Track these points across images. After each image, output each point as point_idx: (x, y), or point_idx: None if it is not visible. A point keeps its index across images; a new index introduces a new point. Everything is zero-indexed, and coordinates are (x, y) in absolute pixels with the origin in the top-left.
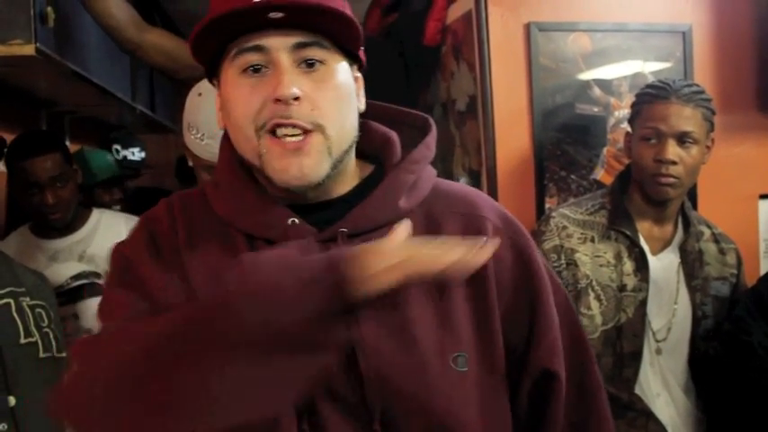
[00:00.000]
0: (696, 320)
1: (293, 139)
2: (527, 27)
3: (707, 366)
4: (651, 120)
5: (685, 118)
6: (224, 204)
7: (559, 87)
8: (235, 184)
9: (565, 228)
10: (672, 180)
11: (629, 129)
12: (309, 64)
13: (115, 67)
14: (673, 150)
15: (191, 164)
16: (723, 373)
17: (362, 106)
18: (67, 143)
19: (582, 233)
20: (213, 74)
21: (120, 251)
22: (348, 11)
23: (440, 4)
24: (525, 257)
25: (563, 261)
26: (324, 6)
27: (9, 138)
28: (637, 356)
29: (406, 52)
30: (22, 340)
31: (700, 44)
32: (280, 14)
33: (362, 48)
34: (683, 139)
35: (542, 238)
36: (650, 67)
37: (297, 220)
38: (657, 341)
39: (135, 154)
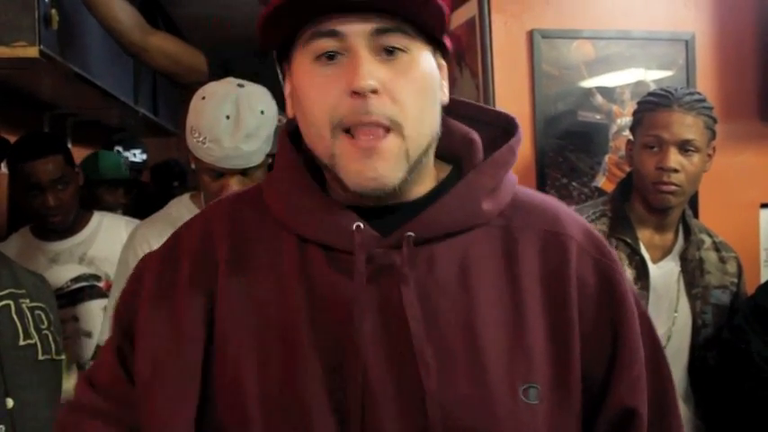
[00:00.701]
0: (696, 329)
1: (368, 138)
2: (530, 34)
3: (706, 375)
4: (653, 128)
5: (687, 126)
6: (280, 204)
7: (562, 94)
8: (295, 182)
9: None
10: (673, 188)
11: (630, 136)
12: (389, 51)
13: (118, 70)
14: (674, 158)
15: (193, 167)
16: (721, 381)
17: (446, 99)
18: (69, 146)
19: None
20: (283, 58)
21: (139, 269)
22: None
23: None
24: (612, 283)
25: None
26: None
27: (12, 140)
28: None
29: None
30: (21, 342)
31: (702, 52)
32: None
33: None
34: (684, 147)
35: None
36: (653, 75)
37: (362, 225)
38: None
39: (137, 156)
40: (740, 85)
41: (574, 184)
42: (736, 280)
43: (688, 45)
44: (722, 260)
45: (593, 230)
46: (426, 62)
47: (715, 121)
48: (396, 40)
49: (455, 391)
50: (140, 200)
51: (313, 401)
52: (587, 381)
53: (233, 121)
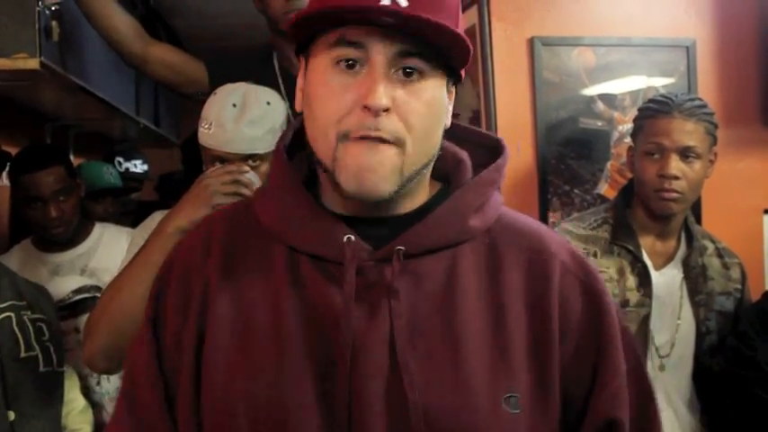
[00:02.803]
0: (700, 336)
1: (371, 149)
2: (531, 42)
3: (711, 382)
4: (654, 135)
5: (688, 133)
6: (271, 214)
7: (563, 102)
8: (288, 192)
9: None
10: (675, 195)
11: (632, 143)
12: (407, 73)
13: (119, 81)
14: (676, 165)
15: (204, 166)
16: (727, 388)
17: (449, 122)
18: (71, 157)
19: (585, 248)
20: (302, 50)
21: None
22: (460, 28)
23: None
24: (596, 301)
25: None
26: (438, 24)
27: (13, 152)
28: None
29: None
30: (23, 354)
31: (703, 59)
32: (391, 20)
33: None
34: (685, 153)
35: None
36: (654, 82)
37: (353, 237)
38: (661, 357)
39: (137, 166)
40: (741, 90)
41: (576, 191)
42: (739, 286)
43: (689, 51)
44: (725, 266)
45: (576, 250)
46: (439, 89)
47: (716, 126)
48: (415, 62)
49: (439, 400)
50: (142, 211)
51: (300, 408)
52: (570, 393)
53: (239, 108)
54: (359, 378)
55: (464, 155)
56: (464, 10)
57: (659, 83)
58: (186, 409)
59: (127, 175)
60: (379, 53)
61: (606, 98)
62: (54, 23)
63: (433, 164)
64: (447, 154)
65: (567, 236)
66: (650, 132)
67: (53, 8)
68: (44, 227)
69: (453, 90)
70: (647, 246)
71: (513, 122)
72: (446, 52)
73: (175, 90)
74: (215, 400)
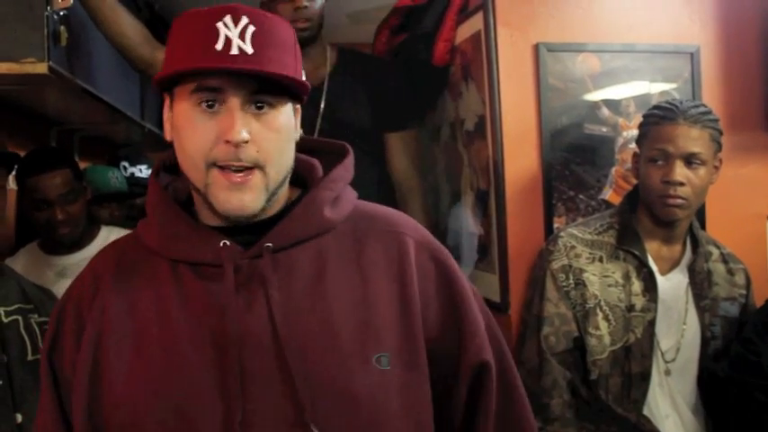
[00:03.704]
0: (705, 341)
1: (238, 174)
2: (536, 48)
3: (716, 387)
4: (658, 141)
5: (693, 139)
6: (155, 234)
7: (568, 107)
8: (167, 214)
9: (573, 248)
10: (680, 201)
11: (636, 149)
12: (259, 107)
13: (125, 86)
14: (680, 171)
15: None
16: (731, 394)
17: (297, 136)
18: (76, 161)
19: (590, 253)
20: (166, 88)
21: (56, 314)
22: (299, 73)
23: (449, 25)
24: (445, 269)
25: (571, 281)
26: (280, 75)
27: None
28: (645, 377)
29: (414, 72)
30: (30, 357)
31: (707, 65)
32: (243, 69)
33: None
34: (690, 160)
35: (550, 257)
36: (658, 88)
37: (227, 242)
38: (666, 362)
39: (143, 171)
40: (745, 96)
41: (581, 196)
42: (744, 291)
43: (693, 58)
44: (730, 272)
45: (426, 232)
46: (286, 114)
47: (721, 133)
48: (264, 98)
49: (317, 366)
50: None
51: (199, 394)
52: (439, 349)
53: None
54: (248, 358)
55: (315, 161)
56: (469, 16)
57: (663, 89)
58: (81, 424)
59: (132, 180)
60: (234, 96)
61: (611, 104)
62: (62, 28)
63: (290, 176)
64: (301, 163)
65: (573, 240)
66: (655, 139)
67: (61, 13)
68: (51, 229)
69: (299, 107)
70: (653, 251)
71: (518, 128)
72: (289, 90)
73: None
74: (117, 408)
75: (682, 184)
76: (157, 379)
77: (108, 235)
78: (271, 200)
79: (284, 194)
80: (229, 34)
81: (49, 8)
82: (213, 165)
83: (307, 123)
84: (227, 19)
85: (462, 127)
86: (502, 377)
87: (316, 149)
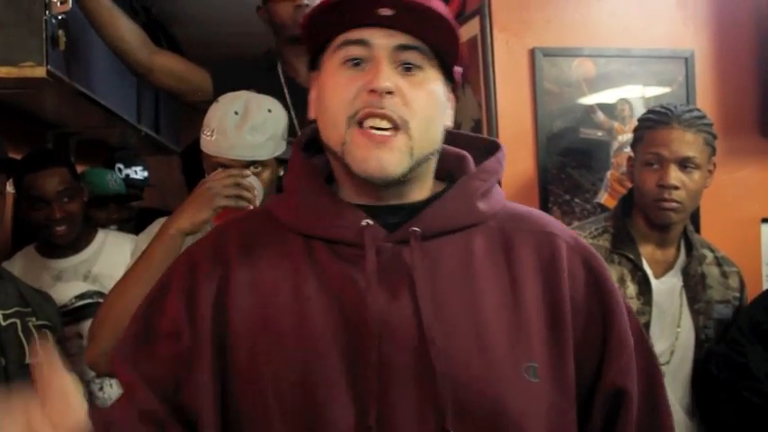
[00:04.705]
0: (699, 344)
1: (381, 132)
2: (531, 52)
3: (709, 389)
4: (653, 145)
5: (687, 143)
6: (293, 209)
7: (563, 112)
8: (308, 187)
9: None
10: (674, 205)
11: (631, 153)
12: (407, 68)
13: (122, 90)
14: (675, 175)
15: (206, 173)
16: (719, 394)
17: (450, 124)
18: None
19: None
20: (315, 65)
21: (188, 269)
22: (452, 19)
23: None
24: (599, 276)
25: None
26: (431, 9)
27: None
28: None
29: None
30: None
31: (701, 69)
32: (389, 12)
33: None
34: (684, 164)
35: None
36: (653, 92)
37: (371, 222)
38: (661, 364)
39: (138, 173)
40: (740, 100)
41: (576, 200)
42: (738, 294)
43: (688, 62)
44: (724, 275)
45: (577, 235)
46: (437, 84)
47: (715, 137)
48: (414, 57)
49: (463, 370)
50: (143, 217)
51: (329, 386)
52: (583, 364)
53: (241, 116)
54: (387, 353)
55: (466, 154)
56: (466, 21)
57: (658, 93)
58: (208, 395)
59: (127, 181)
60: (381, 48)
61: (606, 108)
62: (61, 32)
63: (437, 158)
64: (449, 154)
65: None
66: (650, 143)
67: (60, 17)
68: (47, 227)
69: (453, 97)
70: (647, 254)
71: (514, 132)
72: (440, 46)
73: (179, 98)
74: (243, 384)
75: (676, 187)
76: (287, 366)
77: (105, 238)
78: (414, 171)
79: (430, 182)
80: None
81: (47, 12)
82: (354, 121)
83: (304, 126)
84: None
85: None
86: (650, 410)
87: (463, 143)
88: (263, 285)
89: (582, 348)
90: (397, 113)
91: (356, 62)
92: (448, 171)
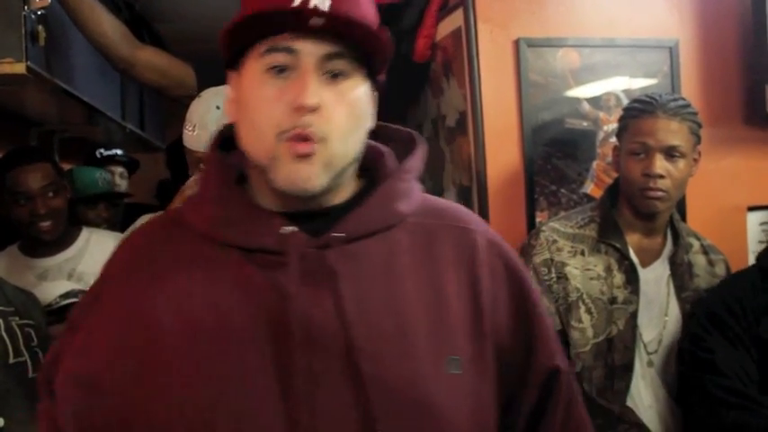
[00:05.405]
0: (687, 332)
1: (304, 148)
2: (516, 43)
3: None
4: (638, 134)
5: (672, 132)
6: (207, 215)
7: (549, 103)
8: (225, 194)
9: (555, 241)
10: (660, 194)
11: (617, 143)
12: (334, 75)
13: (105, 86)
14: (660, 164)
15: (189, 168)
16: (687, 390)
17: (373, 125)
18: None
19: (572, 246)
20: (232, 64)
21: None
22: (380, 29)
23: (429, 21)
24: (515, 269)
25: (553, 275)
26: (360, 21)
27: None
28: (628, 369)
29: (395, 68)
30: (12, 360)
31: (686, 59)
32: (320, 21)
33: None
34: (670, 152)
35: (532, 251)
36: (638, 82)
37: (292, 228)
38: (649, 353)
39: (118, 155)
40: (724, 90)
41: (562, 190)
42: None
43: (672, 52)
44: (711, 263)
45: (491, 229)
46: (362, 91)
47: (700, 126)
48: (341, 65)
49: (388, 370)
50: (130, 213)
51: (259, 393)
52: (507, 354)
53: (222, 111)
54: (313, 358)
55: (385, 148)
56: (449, 13)
57: (643, 83)
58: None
59: (113, 159)
60: (309, 56)
61: (591, 99)
62: (40, 28)
63: (358, 161)
64: (370, 149)
65: (555, 234)
66: (635, 132)
67: (39, 12)
68: (31, 224)
69: (376, 95)
70: (634, 243)
71: (500, 123)
72: (368, 52)
73: (163, 93)
74: (170, 404)
75: (662, 176)
76: (212, 378)
77: (89, 236)
78: (335, 180)
79: (351, 182)
80: None
81: (26, 7)
82: (282, 138)
83: None
84: None
85: (444, 123)
86: (567, 381)
87: (381, 135)
88: (181, 297)
89: (509, 339)
90: (321, 130)
91: (281, 69)
92: (368, 167)
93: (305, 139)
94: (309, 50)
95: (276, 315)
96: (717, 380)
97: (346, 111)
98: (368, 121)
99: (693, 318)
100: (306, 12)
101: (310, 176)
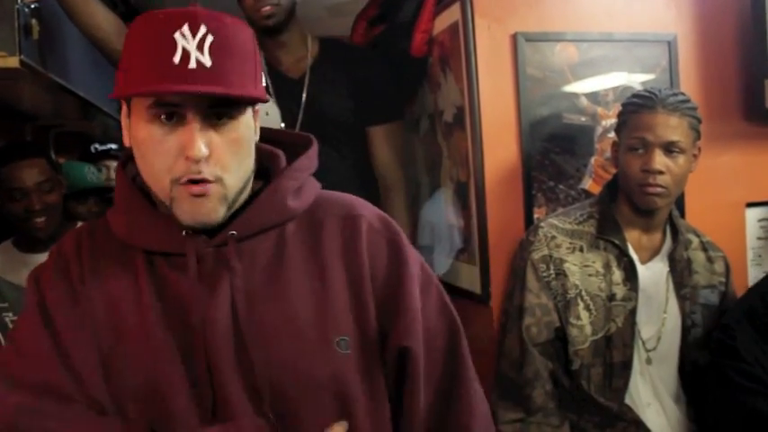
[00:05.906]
0: (685, 329)
1: (197, 185)
2: (514, 38)
3: (697, 376)
4: (637, 129)
5: (671, 127)
6: (122, 225)
7: (547, 97)
8: (132, 205)
9: (553, 238)
10: (659, 190)
11: (615, 138)
12: (218, 116)
13: (100, 80)
14: (659, 160)
15: None
16: (711, 380)
17: (258, 137)
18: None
19: (570, 243)
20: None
21: (34, 282)
22: (259, 79)
23: (426, 16)
24: (397, 249)
25: (552, 271)
26: (239, 97)
27: None
28: (627, 366)
29: (392, 63)
30: None
31: (685, 54)
32: (203, 89)
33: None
34: (669, 148)
35: (531, 248)
36: (636, 77)
37: (191, 231)
38: (647, 350)
39: (113, 149)
40: (723, 85)
41: (560, 186)
42: (724, 279)
43: (671, 46)
44: (710, 260)
45: (385, 216)
46: (245, 123)
47: (699, 121)
48: (224, 110)
49: (278, 353)
50: None
51: (171, 382)
52: (384, 332)
53: None
54: (212, 348)
55: (278, 152)
56: (446, 7)
57: (641, 78)
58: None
59: (108, 154)
60: (193, 110)
61: (589, 93)
62: (34, 21)
63: (251, 178)
64: (264, 153)
65: (553, 231)
66: (634, 127)
67: (33, 6)
68: (26, 219)
69: (258, 109)
70: (633, 240)
71: (497, 118)
72: (245, 91)
73: None
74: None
75: (661, 172)
76: (137, 372)
77: None
78: (232, 206)
79: (248, 188)
80: (187, 46)
81: (19, 1)
82: (177, 182)
83: (288, 117)
84: (185, 29)
85: (441, 118)
86: (449, 362)
87: (280, 141)
88: (111, 303)
89: (383, 317)
90: (212, 173)
91: (168, 115)
92: (265, 168)
93: (198, 182)
94: (193, 105)
95: (182, 312)
96: (737, 365)
97: (234, 149)
98: (252, 143)
99: (729, 310)
100: (186, 73)
101: (209, 212)
